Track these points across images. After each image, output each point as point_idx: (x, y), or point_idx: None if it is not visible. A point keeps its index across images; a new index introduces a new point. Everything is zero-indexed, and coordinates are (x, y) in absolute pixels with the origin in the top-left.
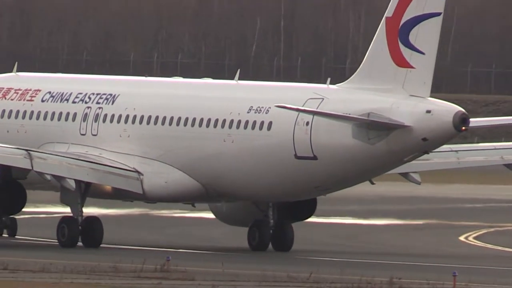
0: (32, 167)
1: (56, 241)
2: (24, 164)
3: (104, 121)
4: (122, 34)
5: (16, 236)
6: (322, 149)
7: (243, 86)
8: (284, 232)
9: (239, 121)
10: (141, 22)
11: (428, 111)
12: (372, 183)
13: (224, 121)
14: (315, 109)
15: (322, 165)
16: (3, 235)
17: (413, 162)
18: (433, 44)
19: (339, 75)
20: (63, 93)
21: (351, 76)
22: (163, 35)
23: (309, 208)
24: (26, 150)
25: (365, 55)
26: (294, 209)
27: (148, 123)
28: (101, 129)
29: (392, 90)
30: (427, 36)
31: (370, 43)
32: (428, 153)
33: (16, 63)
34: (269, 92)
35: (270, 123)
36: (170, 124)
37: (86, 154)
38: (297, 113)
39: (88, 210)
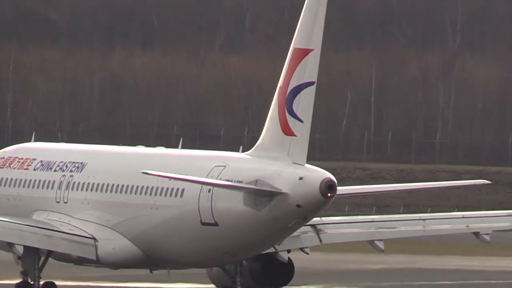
0: None
1: None
2: None
3: (72, 189)
4: (213, 108)
5: None
6: (221, 216)
7: (175, 154)
8: None
9: (162, 188)
10: (231, 96)
11: (301, 178)
12: (275, 249)
13: (152, 188)
14: (176, 176)
15: (222, 232)
16: None
17: (379, 230)
18: (309, 112)
19: (429, 150)
20: (49, 162)
21: (440, 150)
22: (253, 110)
23: (285, 275)
24: None
25: (455, 129)
26: (269, 276)
27: (101, 191)
28: (70, 196)
29: (279, 158)
30: (305, 105)
31: (461, 117)
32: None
33: (34, 133)
34: (186, 160)
35: (183, 190)
36: (116, 191)
37: (58, 221)
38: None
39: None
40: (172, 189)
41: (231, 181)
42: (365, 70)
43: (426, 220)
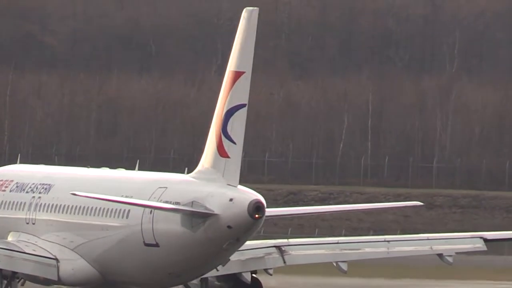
0: None
1: None
2: None
3: (39, 210)
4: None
5: None
6: (161, 237)
7: (127, 176)
8: None
9: (112, 210)
10: None
11: (231, 200)
12: (217, 270)
13: (104, 209)
14: (106, 197)
15: (163, 252)
16: None
17: (343, 251)
18: (241, 134)
19: (426, 174)
20: (23, 183)
21: (437, 175)
22: (250, 133)
23: None
24: None
25: (452, 154)
26: None
27: (63, 212)
28: (38, 217)
29: (216, 180)
30: (237, 127)
31: (458, 142)
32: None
33: (19, 155)
34: (134, 182)
35: (128, 212)
36: (75, 213)
37: (26, 241)
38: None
39: None
40: (120, 210)
41: (171, 202)
42: (362, 95)
43: (391, 242)
